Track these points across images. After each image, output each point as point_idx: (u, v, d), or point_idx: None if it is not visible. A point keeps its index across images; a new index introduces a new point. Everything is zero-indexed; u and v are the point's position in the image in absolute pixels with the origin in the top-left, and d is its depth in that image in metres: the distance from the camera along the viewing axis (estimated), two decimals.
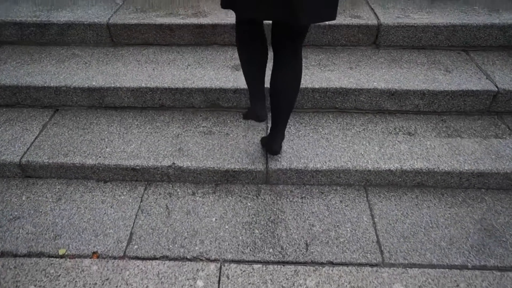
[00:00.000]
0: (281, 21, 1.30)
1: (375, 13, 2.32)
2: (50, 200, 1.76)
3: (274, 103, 1.56)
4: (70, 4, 2.51)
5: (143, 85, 2.02)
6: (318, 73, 2.07)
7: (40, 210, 1.71)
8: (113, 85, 2.02)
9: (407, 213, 1.68)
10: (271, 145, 1.69)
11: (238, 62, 2.20)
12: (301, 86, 1.80)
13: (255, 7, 1.24)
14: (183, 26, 2.27)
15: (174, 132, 1.95)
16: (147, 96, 2.04)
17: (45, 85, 2.04)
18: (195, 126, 1.99)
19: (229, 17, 2.30)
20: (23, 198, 1.77)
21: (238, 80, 2.04)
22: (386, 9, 2.37)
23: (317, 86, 1.99)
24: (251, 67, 1.50)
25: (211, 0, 2.56)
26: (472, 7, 2.37)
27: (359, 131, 1.94)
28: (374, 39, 2.29)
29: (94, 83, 2.04)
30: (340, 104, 2.04)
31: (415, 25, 2.20)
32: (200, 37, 2.32)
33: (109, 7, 2.46)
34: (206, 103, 2.07)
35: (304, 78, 2.03)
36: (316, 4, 1.22)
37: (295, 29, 1.38)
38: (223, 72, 2.10)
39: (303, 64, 2.13)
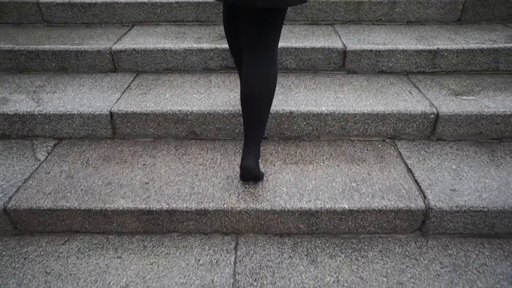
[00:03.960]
0: (236, 3, 1.32)
1: (418, 185, 1.55)
2: None
3: (245, 107, 1.46)
4: None
5: None
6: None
7: None
8: None
9: None
10: (242, 162, 1.47)
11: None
12: None
13: None
14: (125, 211, 1.47)
15: None
16: None
17: None
18: None
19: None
20: None
21: None
22: (433, 171, 1.60)
23: None
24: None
25: (168, 153, 1.79)
26: None
27: None
28: (420, 226, 1.50)
29: None
30: None
31: (484, 208, 1.43)
32: (152, 224, 1.51)
33: (21, 170, 1.67)
34: None
35: None
36: None
37: (259, 17, 1.34)
38: None
39: None
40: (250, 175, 1.50)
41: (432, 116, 1.76)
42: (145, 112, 1.79)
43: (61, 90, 1.99)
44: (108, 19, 2.47)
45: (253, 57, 1.41)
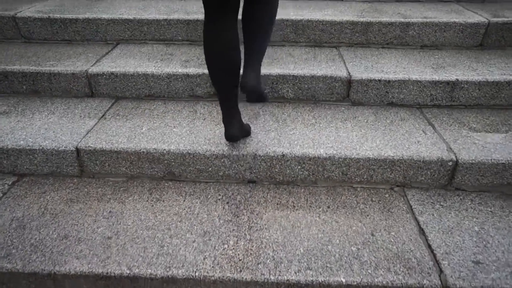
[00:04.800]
0: None
1: (432, 252, 1.27)
2: None
3: (248, 31, 1.50)
4: None
5: None
6: None
7: None
8: None
9: None
10: (243, 79, 1.51)
11: None
12: None
13: None
14: (79, 276, 1.23)
15: None
16: None
17: None
18: None
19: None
20: None
21: None
22: (450, 233, 1.33)
23: None
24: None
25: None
26: None
27: None
28: None
29: None
30: None
31: None
32: None
33: None
34: None
35: None
36: None
37: None
38: None
39: None
40: (255, 94, 1.72)
41: (450, 163, 1.50)
42: (116, 149, 1.56)
43: (28, 119, 1.77)
44: (90, 36, 2.26)
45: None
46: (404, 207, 1.47)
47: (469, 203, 1.48)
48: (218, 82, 1.41)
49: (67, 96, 1.98)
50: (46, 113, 1.82)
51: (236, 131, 1.48)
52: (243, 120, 1.73)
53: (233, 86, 1.41)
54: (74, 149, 1.56)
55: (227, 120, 1.47)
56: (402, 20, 2.13)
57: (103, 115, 1.80)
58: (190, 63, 1.98)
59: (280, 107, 1.87)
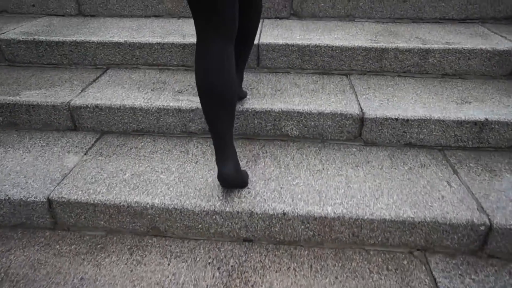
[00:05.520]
0: None
1: None
2: None
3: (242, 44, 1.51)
4: None
5: None
6: None
7: None
8: None
9: None
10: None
11: None
12: None
13: None
14: None
15: None
16: None
17: None
18: None
19: None
20: None
21: None
22: None
23: None
24: None
25: None
26: None
27: None
28: None
29: None
30: None
31: None
32: None
33: None
34: None
35: None
36: None
37: None
38: None
39: None
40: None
41: (482, 228, 1.27)
42: (92, 202, 1.36)
43: None
44: (78, 60, 2.07)
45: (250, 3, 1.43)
46: (426, 280, 1.24)
47: (507, 277, 1.25)
48: (210, 116, 1.22)
49: (48, 129, 1.79)
50: (21, 151, 1.63)
51: (231, 174, 1.28)
52: (241, 163, 1.53)
53: (228, 122, 1.23)
54: (45, 200, 1.37)
55: (220, 162, 1.27)
56: (421, 46, 1.90)
57: (85, 154, 1.61)
58: (184, 94, 1.78)
59: (283, 147, 1.66)
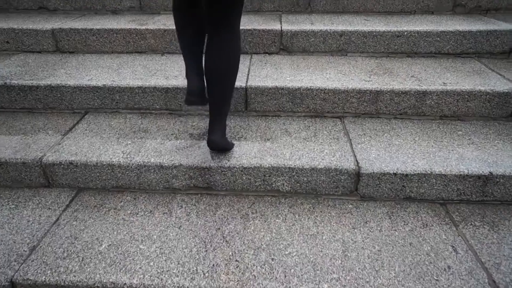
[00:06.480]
0: None
1: None
2: None
3: (209, 85, 1.46)
4: None
5: None
6: None
7: None
8: None
9: None
10: (209, 136, 1.51)
11: None
12: None
13: None
14: None
15: None
16: None
17: None
18: None
19: None
20: None
21: None
22: None
23: None
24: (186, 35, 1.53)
25: None
26: None
27: None
28: None
29: None
30: None
31: None
32: None
33: None
34: None
35: None
36: None
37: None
38: None
39: None
40: (218, 147, 1.54)
41: None
42: (62, 284, 1.21)
43: None
44: (54, 104, 1.94)
45: (218, 35, 1.41)
46: None
47: None
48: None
49: (19, 186, 1.65)
50: None
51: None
52: (228, 226, 1.40)
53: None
54: (8, 283, 1.22)
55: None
56: (418, 88, 1.81)
57: (57, 219, 1.46)
58: (166, 144, 1.66)
59: (273, 204, 1.54)
